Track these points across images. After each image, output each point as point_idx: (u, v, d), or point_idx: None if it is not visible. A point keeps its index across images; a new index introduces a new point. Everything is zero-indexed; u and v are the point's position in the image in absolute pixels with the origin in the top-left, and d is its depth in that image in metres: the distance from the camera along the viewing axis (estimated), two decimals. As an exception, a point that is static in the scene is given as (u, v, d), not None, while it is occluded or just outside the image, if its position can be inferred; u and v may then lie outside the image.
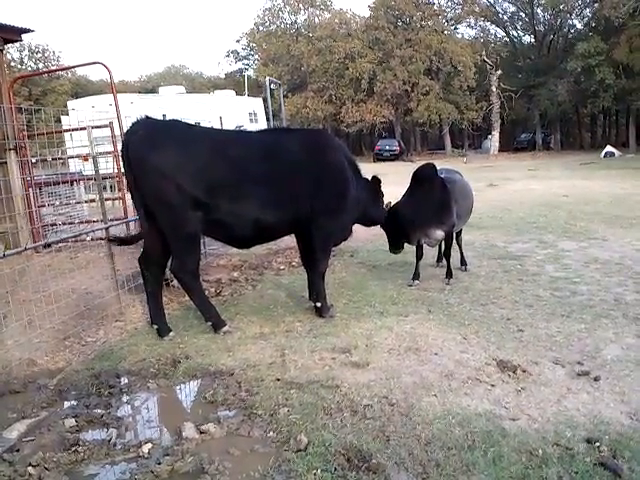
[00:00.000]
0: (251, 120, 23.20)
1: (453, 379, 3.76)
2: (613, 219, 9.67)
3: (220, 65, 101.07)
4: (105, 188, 7.63)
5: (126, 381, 4.02)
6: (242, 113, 22.42)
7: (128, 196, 7.51)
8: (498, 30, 43.24)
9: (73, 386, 3.94)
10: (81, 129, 8.41)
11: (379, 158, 35.71)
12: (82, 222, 8.37)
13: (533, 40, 41.48)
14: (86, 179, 9.01)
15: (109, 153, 8.56)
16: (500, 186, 16.42)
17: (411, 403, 3.43)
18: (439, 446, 2.96)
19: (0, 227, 7.26)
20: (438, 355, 4.18)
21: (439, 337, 4.53)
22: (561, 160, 29.24)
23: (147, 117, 4.73)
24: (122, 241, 5.35)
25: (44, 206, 8.92)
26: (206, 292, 5.59)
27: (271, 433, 3.17)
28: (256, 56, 48.52)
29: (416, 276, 6.20)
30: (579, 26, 39.72)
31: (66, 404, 3.73)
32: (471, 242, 8.10)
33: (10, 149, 8.12)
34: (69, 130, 9.13)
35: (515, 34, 43.05)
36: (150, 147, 4.44)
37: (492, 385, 3.66)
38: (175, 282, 5.53)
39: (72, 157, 9.48)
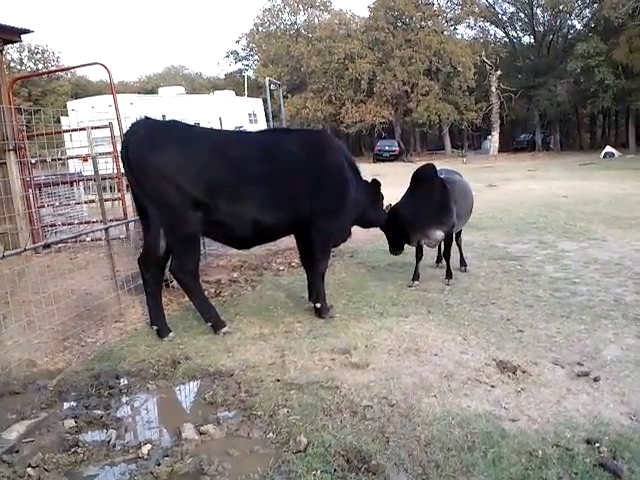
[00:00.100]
0: (251, 121, 23.20)
1: (453, 380, 3.76)
2: (613, 219, 9.68)
3: (220, 66, 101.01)
4: (105, 189, 7.62)
5: (126, 382, 4.02)
6: (242, 114, 22.42)
7: (128, 197, 7.54)
8: (498, 30, 43.32)
9: (73, 387, 3.94)
10: (81, 130, 8.42)
11: (379, 159, 35.72)
12: (82, 223, 8.37)
13: (533, 40, 41.52)
14: (86, 180, 9.02)
15: (109, 154, 8.57)
16: (500, 186, 16.43)
17: (411, 404, 3.43)
18: (439, 447, 2.96)
19: (0, 228, 7.26)
20: (438, 356, 4.18)
21: (439, 338, 4.53)
22: (561, 160, 29.26)
23: (147, 118, 4.73)
24: None
25: (44, 207, 8.92)
26: (206, 293, 5.58)
27: (271, 434, 3.17)
28: (256, 57, 48.55)
29: (416, 277, 6.20)
30: (579, 26, 39.84)
31: (66, 405, 3.72)
32: (471, 243, 8.10)
33: (10, 150, 8.13)
34: (69, 131, 9.13)
35: (515, 34, 43.13)
36: (150, 147, 4.44)
37: (492, 386, 3.65)
38: (175, 283, 5.52)
39: (72, 158, 9.49)
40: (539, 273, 6.46)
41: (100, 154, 8.01)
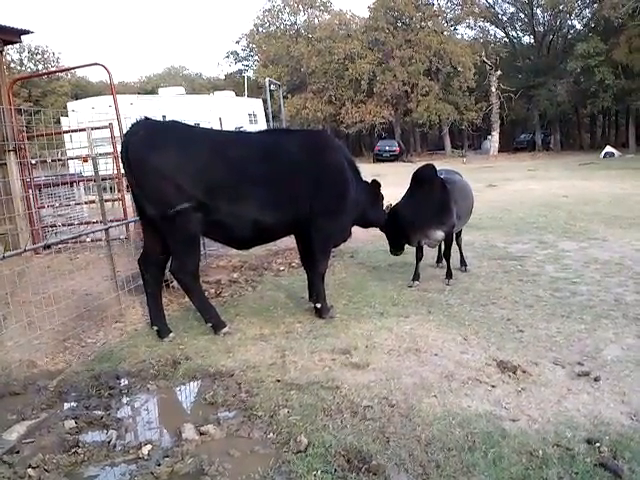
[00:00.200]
0: (251, 121, 23.21)
1: (453, 380, 3.76)
2: (613, 219, 9.68)
3: (220, 66, 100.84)
4: (105, 189, 7.62)
5: (126, 382, 4.02)
6: (242, 114, 22.43)
7: (128, 197, 7.54)
8: (497, 31, 43.29)
9: (73, 387, 3.94)
10: (81, 130, 8.43)
11: (379, 159, 35.71)
12: (82, 223, 8.38)
13: (532, 41, 41.50)
14: (86, 180, 9.03)
15: (109, 154, 8.57)
16: (500, 186, 16.43)
17: (411, 404, 3.43)
18: (439, 447, 2.96)
19: (0, 228, 7.26)
20: (438, 356, 4.18)
21: (439, 338, 4.53)
22: (561, 160, 29.25)
23: (146, 118, 4.73)
24: None
25: (44, 207, 8.92)
26: (206, 293, 5.58)
27: (271, 434, 3.17)
28: (256, 57, 48.55)
29: (416, 277, 6.20)
30: (578, 26, 39.80)
31: (66, 405, 3.72)
32: (471, 242, 8.10)
33: (10, 150, 8.13)
34: (69, 131, 9.14)
35: (514, 35, 43.11)
36: (150, 148, 4.44)
37: (492, 386, 3.65)
38: (175, 283, 5.52)
39: (72, 158, 9.49)
40: (539, 273, 6.46)
41: (100, 155, 8.02)
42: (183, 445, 3.10)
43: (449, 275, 6.22)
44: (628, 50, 29.84)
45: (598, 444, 2.90)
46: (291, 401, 3.52)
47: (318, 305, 5.21)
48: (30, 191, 8.24)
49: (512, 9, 41.30)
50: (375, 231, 6.35)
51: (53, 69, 44.58)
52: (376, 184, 5.73)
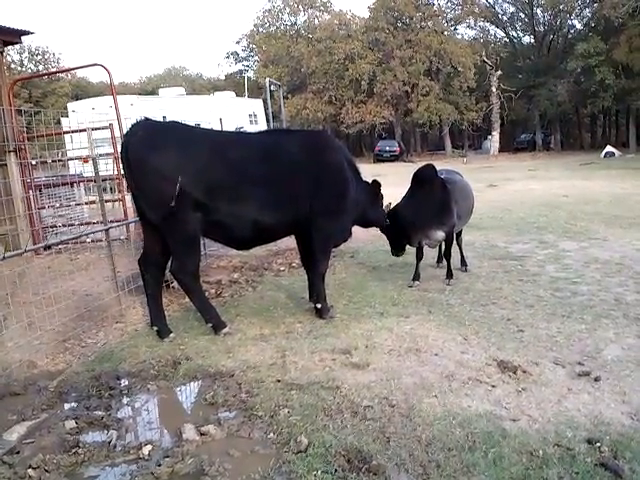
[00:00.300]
0: (251, 121, 23.22)
1: (453, 380, 3.75)
2: (613, 219, 9.67)
3: (220, 66, 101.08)
4: (105, 190, 7.63)
5: (126, 383, 4.02)
6: (242, 114, 22.44)
7: (128, 198, 7.54)
8: (498, 31, 43.35)
9: (73, 388, 3.94)
10: (81, 131, 8.44)
11: (379, 159, 35.71)
12: (82, 224, 8.39)
13: (533, 40, 41.52)
14: (86, 181, 9.03)
15: (109, 155, 8.58)
16: (500, 186, 16.42)
17: (411, 404, 3.43)
18: (440, 447, 2.96)
19: (0, 229, 7.26)
20: (438, 356, 4.18)
21: (439, 338, 4.53)
22: (561, 160, 29.25)
23: (146, 119, 4.74)
24: None
25: (44, 208, 8.92)
26: (206, 293, 5.58)
27: (271, 434, 3.17)
28: (256, 57, 48.54)
29: (416, 277, 6.20)
30: (579, 26, 39.83)
31: (66, 406, 3.72)
32: (471, 242, 8.10)
33: (10, 151, 8.14)
34: (69, 132, 9.14)
35: (515, 34, 43.13)
36: (149, 148, 4.44)
37: (493, 386, 3.65)
38: (175, 284, 5.52)
39: (72, 159, 9.50)
40: (540, 273, 6.46)
41: (100, 155, 8.03)
42: (183, 445, 3.10)
43: (449, 275, 6.22)
44: (628, 50, 29.84)
45: (599, 444, 2.90)
46: (291, 401, 3.52)
47: (318, 305, 5.21)
48: (30, 192, 8.24)
49: (512, 9, 41.41)
50: (375, 231, 6.35)
51: (53, 70, 44.67)
52: (376, 184, 5.73)
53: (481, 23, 42.03)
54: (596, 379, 3.66)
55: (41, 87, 44.67)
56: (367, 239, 8.25)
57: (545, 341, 4.37)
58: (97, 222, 7.45)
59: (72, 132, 8.97)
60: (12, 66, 42.18)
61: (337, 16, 41.93)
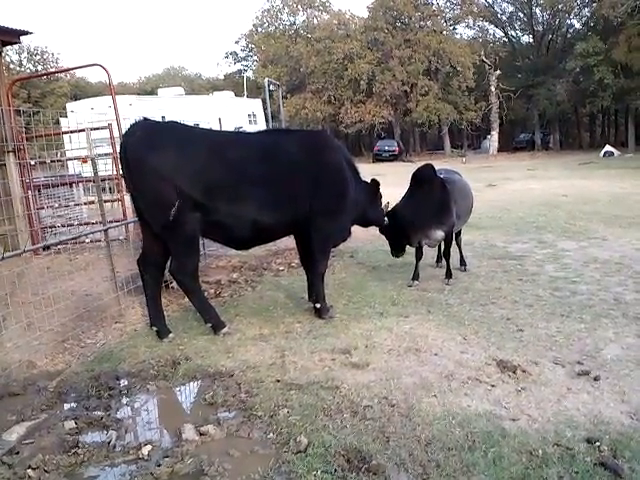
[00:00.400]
0: (250, 121, 23.18)
1: (453, 379, 3.75)
2: (612, 218, 9.68)
3: (219, 66, 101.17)
4: (104, 190, 7.63)
5: (126, 383, 4.01)
6: (241, 114, 22.40)
7: (127, 198, 7.53)
8: (497, 30, 43.37)
9: (72, 388, 3.93)
10: (80, 131, 8.44)
11: (378, 159, 35.73)
12: (81, 224, 8.38)
13: (532, 40, 41.52)
14: (85, 181, 9.03)
15: (108, 155, 8.57)
16: (499, 186, 16.43)
17: (411, 404, 3.43)
18: (439, 447, 2.96)
19: (-1, 229, 7.26)
20: (438, 355, 4.18)
21: (439, 337, 4.53)
22: (560, 160, 29.26)
23: (145, 119, 4.73)
24: None
25: (43, 208, 8.92)
26: (205, 293, 5.59)
27: (271, 434, 3.17)
28: (255, 57, 48.55)
29: (416, 277, 6.20)
30: (578, 26, 39.88)
31: (66, 406, 3.72)
32: (470, 242, 8.10)
33: (9, 151, 8.13)
34: (68, 132, 9.13)
35: (514, 34, 43.14)
36: (148, 148, 4.44)
37: (492, 385, 3.65)
38: (174, 284, 5.52)
39: (71, 159, 9.50)
40: (539, 272, 6.46)
41: (99, 155, 8.03)
42: (183, 445, 3.10)
43: (449, 275, 6.22)
44: (627, 49, 29.84)
45: (598, 443, 2.90)
46: (291, 401, 3.52)
47: (318, 305, 5.21)
48: (29, 192, 8.24)
49: (511, 8, 41.44)
50: (375, 231, 6.35)
51: (52, 70, 44.64)
52: (375, 183, 5.73)
53: (480, 23, 42.09)
54: (595, 378, 3.66)
55: (40, 87, 44.64)
56: (366, 239, 8.25)
57: (544, 340, 4.38)
58: (96, 222, 7.45)
59: (71, 132, 8.96)
60: (11, 66, 42.18)
61: (336, 16, 41.95)
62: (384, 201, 5.94)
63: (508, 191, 15.11)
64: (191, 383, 4.02)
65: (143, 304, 5.30)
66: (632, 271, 6.27)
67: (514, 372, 3.79)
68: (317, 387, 3.70)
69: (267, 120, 19.83)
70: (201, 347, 4.59)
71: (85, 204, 9.22)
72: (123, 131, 5.63)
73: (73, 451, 3.08)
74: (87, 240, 7.92)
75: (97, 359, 4.45)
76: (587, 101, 36.11)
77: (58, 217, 9.09)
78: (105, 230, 5.76)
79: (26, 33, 8.91)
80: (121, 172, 6.06)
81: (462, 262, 6.75)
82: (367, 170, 5.92)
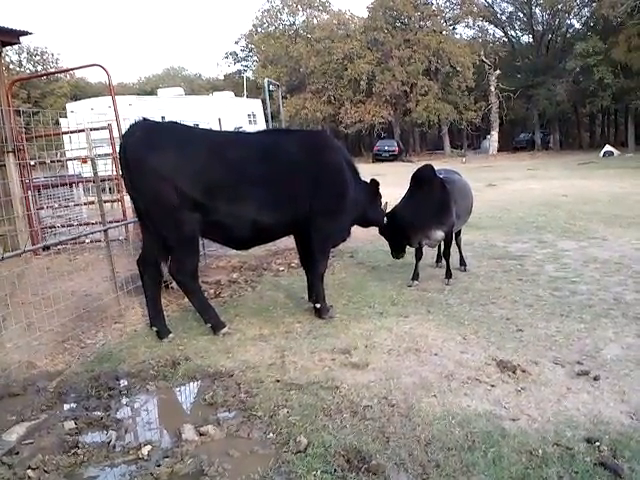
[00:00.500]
0: (250, 121, 23.20)
1: (453, 379, 3.75)
2: (612, 218, 9.68)
3: (219, 67, 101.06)
4: (104, 190, 7.63)
5: (125, 383, 4.01)
6: (241, 115, 22.42)
7: (127, 198, 7.53)
8: (496, 30, 43.38)
9: (72, 388, 3.93)
10: (80, 131, 8.44)
11: (378, 158, 35.74)
12: (81, 224, 8.38)
13: (531, 40, 41.55)
14: (85, 181, 9.03)
15: (108, 155, 8.58)
16: (499, 186, 16.43)
17: (411, 404, 3.43)
18: (439, 447, 2.96)
19: (-1, 230, 7.26)
20: (438, 355, 4.18)
21: (439, 337, 4.53)
22: (560, 160, 29.27)
23: (144, 119, 4.73)
24: None
25: (43, 208, 8.92)
26: (205, 294, 5.58)
27: (271, 434, 3.17)
28: (255, 57, 48.55)
29: (415, 276, 6.20)
30: (577, 26, 39.90)
31: (65, 406, 3.72)
32: (470, 242, 8.10)
33: (9, 152, 8.13)
34: (68, 132, 9.14)
35: (513, 34, 43.16)
36: (148, 149, 4.44)
37: (492, 385, 3.65)
38: (174, 284, 5.52)
39: (71, 159, 9.50)
40: (539, 272, 6.46)
41: (99, 155, 8.03)
42: (183, 446, 3.10)
43: (448, 275, 6.22)
44: (627, 49, 29.84)
45: (598, 443, 2.90)
46: (291, 401, 3.52)
47: (317, 305, 5.21)
48: (29, 192, 8.24)
49: (511, 8, 41.45)
50: (374, 231, 6.35)
51: (52, 70, 44.60)
52: (375, 183, 5.72)
53: (480, 23, 42.07)
54: (595, 378, 3.66)
55: (40, 87, 44.66)
56: (366, 239, 8.25)
57: (544, 340, 4.38)
58: (96, 222, 7.44)
59: (71, 132, 8.96)
60: (11, 66, 42.15)
61: (336, 16, 41.95)
62: (383, 201, 5.94)
63: (508, 191, 15.12)
64: (191, 383, 4.02)
65: (143, 304, 5.30)
66: (632, 271, 6.27)
67: (514, 372, 3.79)
68: (317, 387, 3.70)
69: (267, 120, 19.84)
70: (201, 347, 4.59)
71: (85, 204, 9.23)
72: (123, 131, 5.64)
73: (73, 451, 3.08)
74: (87, 240, 7.92)
75: (97, 359, 4.45)
76: (587, 101, 36.11)
77: (58, 217, 9.09)
78: (105, 230, 5.76)
79: (26, 33, 8.91)
80: (120, 172, 6.07)
81: (462, 262, 6.75)
82: (367, 170, 5.92)
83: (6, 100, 8.49)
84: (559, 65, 36.15)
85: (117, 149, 7.26)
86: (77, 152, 8.99)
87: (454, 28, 42.66)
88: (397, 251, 6.29)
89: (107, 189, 9.03)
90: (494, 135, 38.06)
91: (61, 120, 11.74)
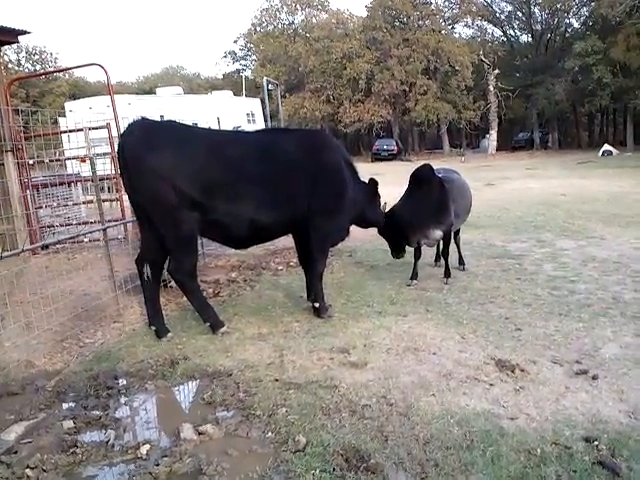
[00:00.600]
0: (249, 121, 23.16)
1: (451, 379, 3.76)
2: (611, 218, 9.69)
3: (218, 66, 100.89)
4: (103, 189, 7.62)
5: (124, 382, 4.01)
6: (240, 114, 22.38)
7: (126, 197, 7.53)
8: (495, 29, 43.48)
9: (71, 387, 3.93)
10: (78, 130, 8.42)
11: (377, 158, 35.76)
12: (80, 223, 8.37)
13: (530, 39, 41.60)
14: (84, 180, 9.01)
15: (106, 154, 8.56)
16: (498, 185, 16.44)
17: (409, 403, 3.43)
18: (438, 446, 2.96)
19: (-2, 229, 7.24)
20: (436, 355, 4.18)
21: (437, 337, 4.53)
22: (559, 159, 29.29)
23: (143, 118, 4.73)
24: None
25: (41, 208, 8.91)
26: (204, 293, 5.58)
27: (269, 434, 3.17)
28: (254, 57, 48.56)
29: (414, 276, 6.20)
30: (576, 25, 39.92)
31: (64, 406, 3.72)
32: (469, 241, 8.10)
33: (7, 151, 8.10)
34: (66, 131, 9.12)
35: (512, 33, 43.22)
36: (146, 148, 4.43)
37: (490, 384, 3.65)
38: (173, 283, 5.52)
39: (69, 159, 9.48)
40: (537, 272, 6.46)
41: (98, 155, 8.01)
42: (181, 445, 3.10)
43: (447, 274, 6.22)
44: (626, 48, 29.87)
45: (596, 442, 2.91)
46: (289, 400, 3.52)
47: (316, 304, 5.21)
48: (28, 191, 8.22)
49: (510, 8, 41.49)
50: (373, 230, 6.35)
51: (51, 69, 44.58)
52: (374, 183, 5.72)
53: (478, 22, 42.13)
54: (594, 377, 3.66)
55: (38, 87, 44.61)
56: (365, 238, 8.24)
57: (543, 340, 4.38)
58: (95, 222, 7.42)
59: (69, 132, 8.94)
60: (9, 66, 42.11)
61: (335, 15, 41.97)
62: (382, 200, 5.94)
63: (507, 190, 15.12)
64: (189, 382, 4.02)
65: (142, 303, 5.30)
66: (630, 270, 6.27)
67: (512, 371, 3.80)
68: (316, 386, 3.70)
69: (266, 119, 19.81)
70: (199, 346, 4.59)
71: (84, 203, 9.21)
72: (121, 130, 5.64)
73: (71, 450, 3.08)
74: (86, 239, 7.91)
75: (96, 358, 4.44)
76: (586, 100, 36.12)
77: (57, 216, 9.07)
78: (104, 229, 5.75)
79: (24, 33, 8.89)
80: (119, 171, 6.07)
81: (461, 261, 6.75)
82: (366, 169, 5.92)
83: (5, 99, 8.47)
84: (558, 64, 36.14)
85: (116, 148, 7.27)
86: (76, 151, 8.97)
87: (453, 27, 42.78)
88: (397, 251, 6.28)
89: (106, 188, 9.02)
90: (493, 134, 38.06)
91: (60, 119, 11.71)
